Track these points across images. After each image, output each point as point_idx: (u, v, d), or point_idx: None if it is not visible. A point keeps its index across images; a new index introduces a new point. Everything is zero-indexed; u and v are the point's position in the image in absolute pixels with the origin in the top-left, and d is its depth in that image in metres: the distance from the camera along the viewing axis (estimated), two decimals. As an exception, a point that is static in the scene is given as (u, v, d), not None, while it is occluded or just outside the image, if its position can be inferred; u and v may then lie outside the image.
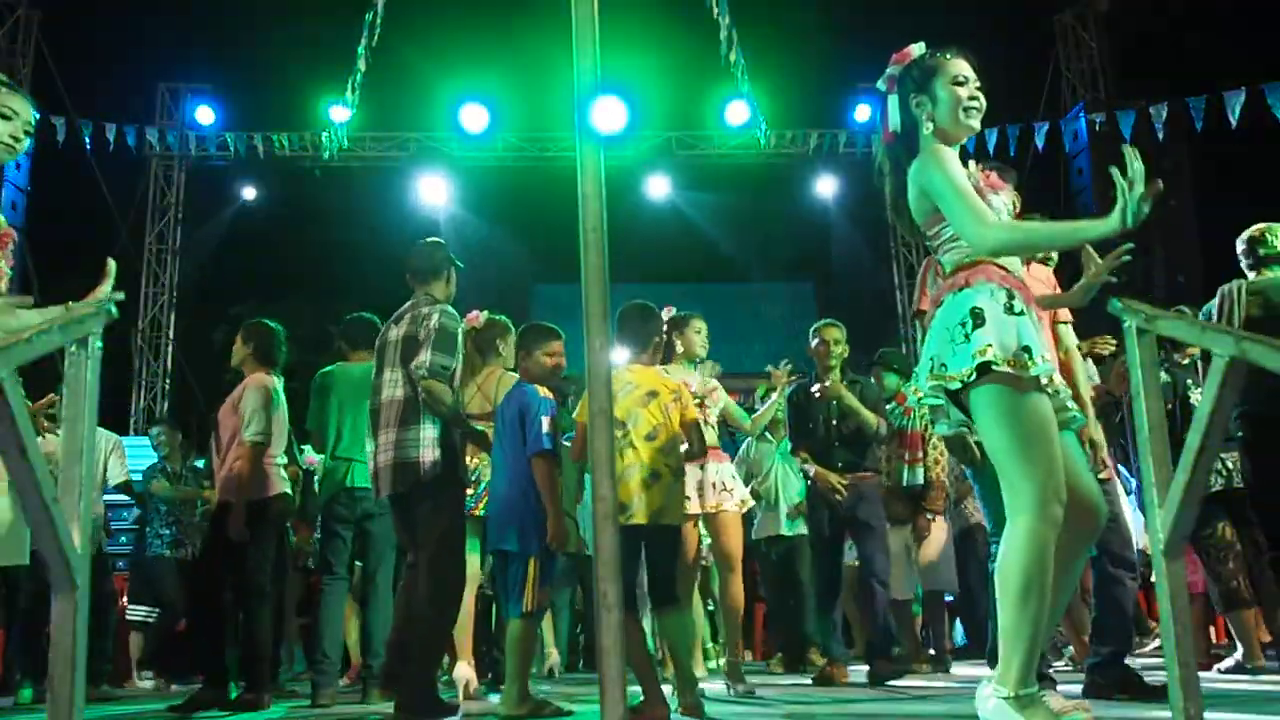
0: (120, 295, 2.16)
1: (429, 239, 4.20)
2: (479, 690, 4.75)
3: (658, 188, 14.65)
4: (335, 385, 4.91)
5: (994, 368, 2.25)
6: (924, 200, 2.49)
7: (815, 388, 5.14)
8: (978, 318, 2.30)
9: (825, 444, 5.19)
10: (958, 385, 2.31)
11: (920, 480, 5.79)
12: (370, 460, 3.91)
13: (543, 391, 3.74)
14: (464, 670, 4.59)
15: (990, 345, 2.25)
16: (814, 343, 5.28)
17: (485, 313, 4.88)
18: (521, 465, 3.66)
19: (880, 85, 2.65)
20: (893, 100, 2.61)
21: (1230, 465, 4.82)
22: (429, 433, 3.76)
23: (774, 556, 6.60)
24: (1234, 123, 10.67)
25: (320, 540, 5.13)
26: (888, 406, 5.65)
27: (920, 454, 5.80)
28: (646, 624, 4.56)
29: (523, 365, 3.96)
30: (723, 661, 5.40)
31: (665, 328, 4.68)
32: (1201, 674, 2.19)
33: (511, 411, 3.77)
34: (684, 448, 3.65)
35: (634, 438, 3.48)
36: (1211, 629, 6.73)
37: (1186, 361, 4.96)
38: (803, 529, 6.14)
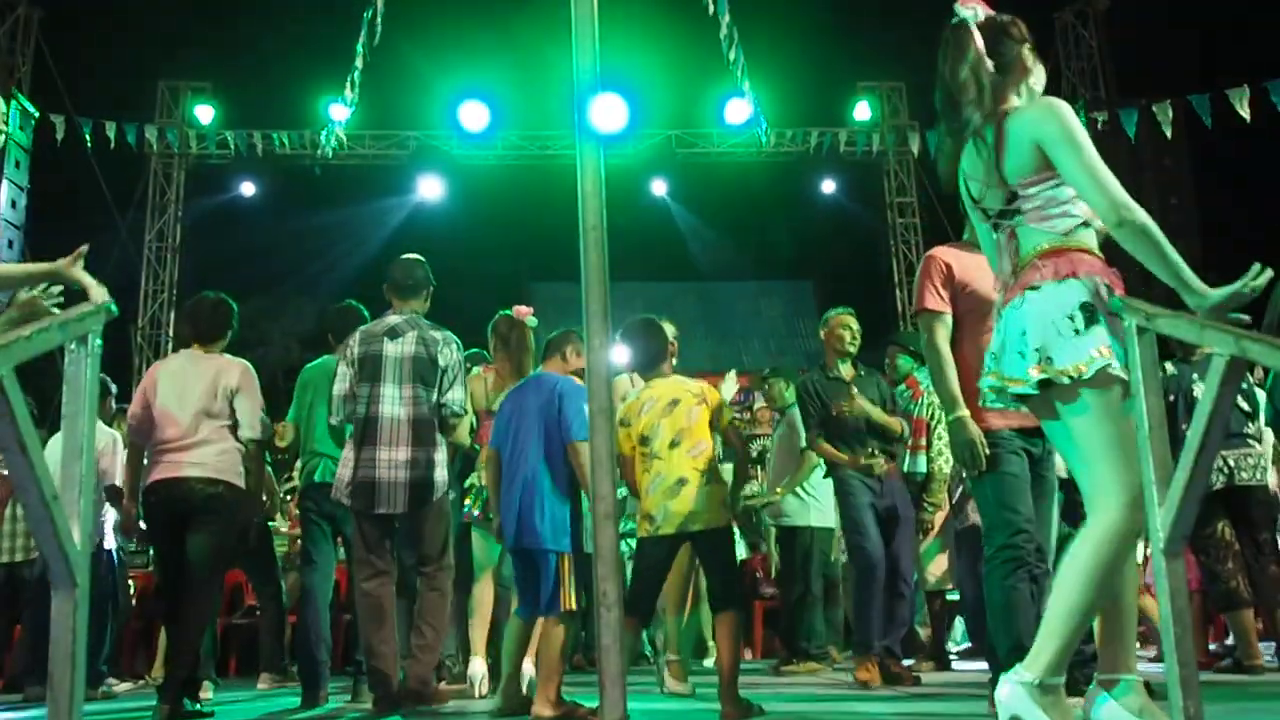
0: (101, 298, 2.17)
1: (409, 255, 4.26)
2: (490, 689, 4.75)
3: (657, 186, 14.65)
4: (313, 380, 4.88)
5: (1110, 370, 2.18)
6: (1036, 154, 2.31)
7: (842, 403, 4.92)
8: (1090, 314, 2.20)
9: (854, 433, 4.99)
10: (1067, 381, 2.20)
11: (921, 469, 5.71)
12: (365, 468, 3.88)
13: (578, 380, 3.67)
14: (478, 667, 4.59)
15: (1107, 346, 2.18)
16: (826, 331, 5.15)
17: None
18: (554, 456, 3.56)
19: (962, 10, 2.47)
20: (976, 27, 2.43)
21: (1231, 463, 4.82)
22: (439, 455, 3.97)
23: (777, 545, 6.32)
24: (1247, 118, 10.64)
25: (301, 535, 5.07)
26: (897, 389, 5.59)
27: (924, 441, 5.69)
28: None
29: (562, 362, 3.88)
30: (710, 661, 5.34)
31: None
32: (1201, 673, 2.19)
33: (537, 401, 3.66)
34: (717, 451, 3.56)
35: (657, 448, 3.44)
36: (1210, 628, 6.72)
37: (1196, 358, 4.95)
38: (811, 519, 6.02)
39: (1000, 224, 2.43)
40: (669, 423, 3.47)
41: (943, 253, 3.36)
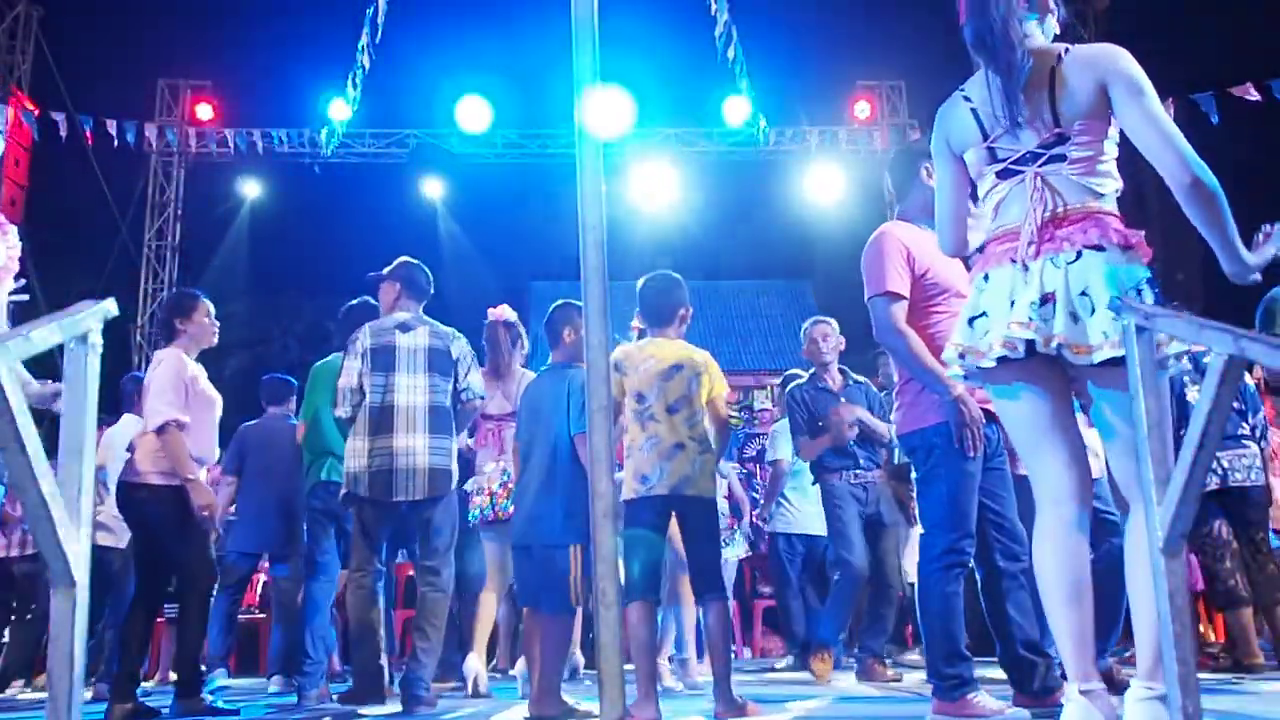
0: None
1: (417, 260, 4.31)
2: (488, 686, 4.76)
3: (656, 184, 14.63)
4: (321, 378, 4.88)
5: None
6: (1098, 95, 2.11)
7: (833, 412, 5.00)
8: (1152, 293, 2.08)
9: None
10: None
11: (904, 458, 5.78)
12: (380, 457, 3.89)
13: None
14: (474, 663, 4.60)
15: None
16: (806, 343, 5.27)
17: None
18: (564, 446, 3.45)
19: None
20: None
21: (1225, 464, 4.82)
22: (453, 444, 4.06)
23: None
24: (1232, 119, 10.65)
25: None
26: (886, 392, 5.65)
27: None
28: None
29: (566, 345, 3.73)
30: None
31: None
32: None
33: (553, 393, 3.56)
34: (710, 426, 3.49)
35: (655, 410, 3.37)
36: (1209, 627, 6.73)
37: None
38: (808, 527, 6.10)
39: (1020, 169, 2.21)
40: (670, 387, 3.40)
41: (900, 231, 3.07)
